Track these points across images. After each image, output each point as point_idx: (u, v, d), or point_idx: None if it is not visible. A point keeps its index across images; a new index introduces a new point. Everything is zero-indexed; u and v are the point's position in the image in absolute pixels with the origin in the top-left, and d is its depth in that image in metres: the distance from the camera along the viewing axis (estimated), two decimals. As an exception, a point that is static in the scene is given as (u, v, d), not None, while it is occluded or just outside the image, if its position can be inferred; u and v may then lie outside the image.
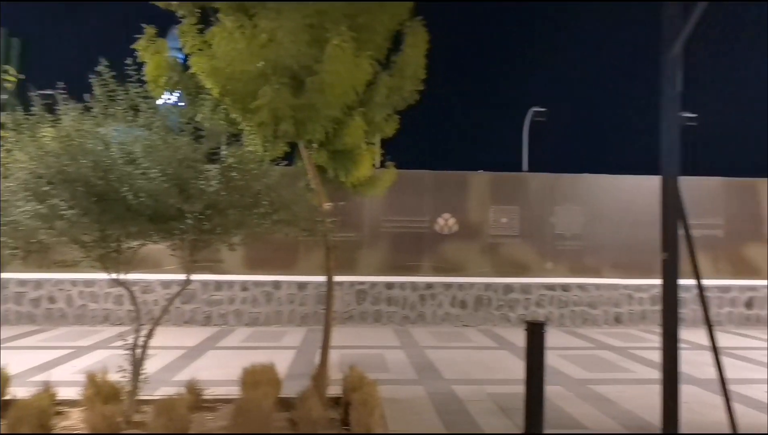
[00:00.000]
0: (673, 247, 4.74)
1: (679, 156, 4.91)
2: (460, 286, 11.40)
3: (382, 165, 8.04)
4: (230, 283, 11.04)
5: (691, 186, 12.97)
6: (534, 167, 13.55)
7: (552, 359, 8.15)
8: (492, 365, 7.82)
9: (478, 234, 12.28)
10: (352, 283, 11.20)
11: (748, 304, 11.94)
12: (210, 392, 5.33)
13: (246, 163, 4.87)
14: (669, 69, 4.84)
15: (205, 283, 10.89)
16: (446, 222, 12.16)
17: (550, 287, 11.55)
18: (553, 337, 10.06)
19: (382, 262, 11.92)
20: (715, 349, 4.86)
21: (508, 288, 11.46)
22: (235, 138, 5.40)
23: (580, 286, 11.61)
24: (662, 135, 4.89)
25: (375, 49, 5.63)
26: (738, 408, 5.76)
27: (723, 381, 4.82)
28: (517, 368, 7.16)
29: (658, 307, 10.75)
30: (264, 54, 5.11)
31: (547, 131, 14.00)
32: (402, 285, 11.31)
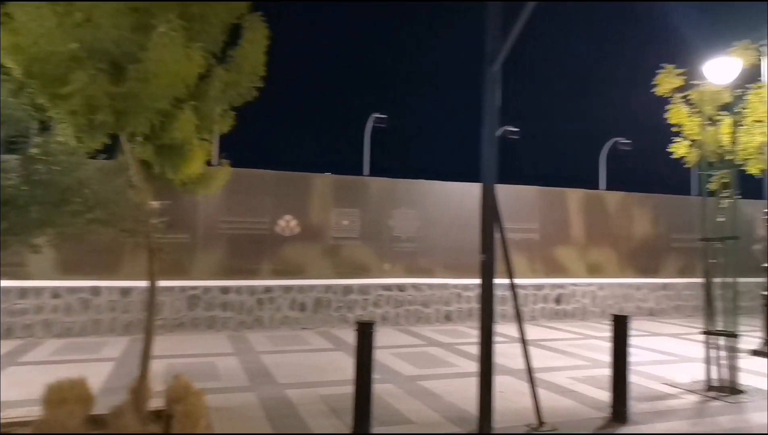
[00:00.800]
0: (490, 248, 5.19)
1: (497, 165, 5.41)
2: (300, 288, 11.39)
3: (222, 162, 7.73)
4: (38, 290, 9.83)
5: (512, 194, 14.37)
6: (375, 172, 14.02)
7: (386, 357, 8.49)
8: (327, 367, 7.92)
9: (319, 236, 12.38)
10: (183, 288, 10.62)
11: (557, 300, 13.52)
12: (5, 415, 4.70)
13: (54, 154, 4.39)
14: (489, 84, 5.31)
15: (6, 291, 9.58)
16: (287, 223, 12.09)
17: (387, 288, 12.02)
18: (388, 336, 10.49)
19: (218, 266, 11.49)
20: (523, 342, 5.43)
21: (348, 289, 11.70)
22: (45, 126, 4.83)
23: (415, 286, 12.24)
24: (482, 145, 5.35)
25: (209, 41, 5.40)
26: (545, 394, 6.50)
27: (530, 370, 5.40)
28: (352, 369, 7.32)
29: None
30: (78, 35, 4.64)
31: (387, 137, 14.60)
32: (239, 289, 10.98)
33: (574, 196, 15.07)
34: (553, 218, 14.72)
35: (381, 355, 8.58)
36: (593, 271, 14.87)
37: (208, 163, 6.76)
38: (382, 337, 10.37)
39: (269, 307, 11.13)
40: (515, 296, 5.50)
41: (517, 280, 13.88)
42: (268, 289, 11.17)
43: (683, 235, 15.51)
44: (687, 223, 15.30)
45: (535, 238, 14.34)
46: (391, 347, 9.42)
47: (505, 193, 14.12)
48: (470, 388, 6.45)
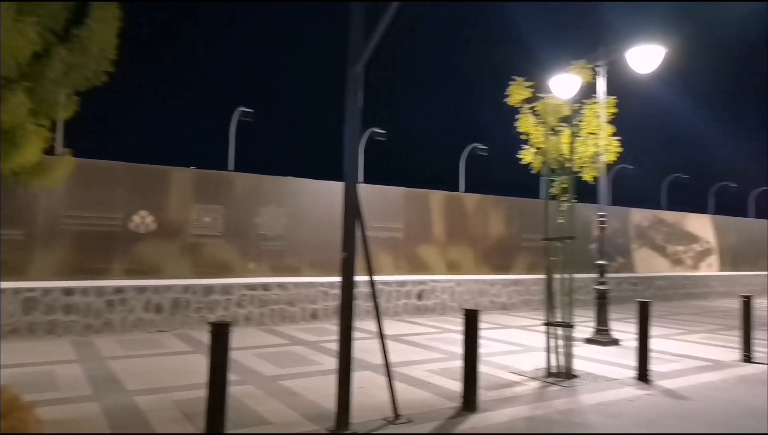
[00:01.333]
0: (351, 246, 5.26)
1: (358, 165, 5.49)
2: (156, 289, 10.72)
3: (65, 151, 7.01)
4: None
5: (379, 194, 14.71)
6: (241, 167, 13.59)
7: (247, 358, 8.27)
8: (183, 370, 7.53)
9: (178, 233, 11.73)
10: (17, 290, 9.52)
11: (419, 296, 14.07)
12: None
13: None
14: (351, 85, 5.37)
15: None
16: (143, 220, 11.31)
17: (252, 287, 11.72)
18: (251, 337, 10.23)
19: (60, 265, 10.44)
20: (381, 337, 5.57)
21: (209, 289, 11.22)
22: None
23: (281, 285, 12.06)
24: (345, 145, 5.40)
25: (47, 16, 4.89)
26: (403, 387, 6.71)
27: (387, 365, 5.55)
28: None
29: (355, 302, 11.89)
30: None
31: (255, 132, 14.22)
32: (84, 290, 10.07)
33: (436, 197, 15.78)
34: (416, 218, 15.29)
35: (242, 356, 8.35)
36: (452, 268, 15.67)
37: (49, 153, 6.12)
38: (245, 337, 10.11)
39: (120, 309, 10.34)
40: (374, 293, 5.63)
41: (381, 278, 14.19)
42: (119, 290, 10.37)
43: (532, 235, 16.87)
44: (535, 224, 16.69)
45: (400, 237, 14.80)
46: (253, 348, 9.19)
47: (372, 193, 14.47)
48: (332, 385, 6.44)
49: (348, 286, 5.20)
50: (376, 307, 5.58)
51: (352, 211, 5.31)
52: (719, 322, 13.87)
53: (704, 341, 11.09)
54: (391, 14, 5.07)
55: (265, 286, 11.88)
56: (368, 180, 15.19)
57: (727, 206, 25.67)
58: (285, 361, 8.34)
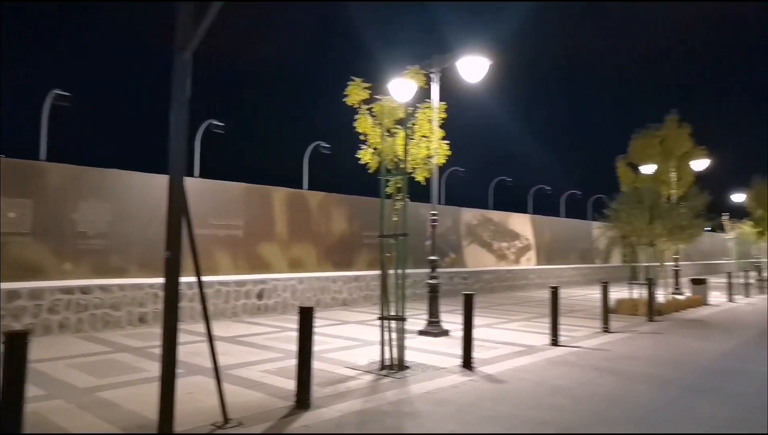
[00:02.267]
0: (176, 245, 4.93)
1: (185, 157, 5.17)
2: (-56, 295, 9.17)
3: None
4: None
5: (217, 189, 14.10)
6: (58, 157, 12.15)
7: (58, 370, 7.43)
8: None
9: (-26, 231, 10.17)
10: None
11: (260, 295, 13.75)
12: None
13: None
14: (179, 72, 5.04)
15: None
16: (-73, 215, 9.61)
17: (68, 291, 10.54)
18: (66, 346, 9.21)
19: None
20: (210, 339, 5.31)
21: (14, 294, 9.87)
22: None
23: (103, 288, 11.01)
24: (171, 136, 5.05)
25: None
26: (237, 389, 6.48)
27: (216, 368, 5.31)
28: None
29: (185, 304, 11.21)
30: None
31: (72, 119, 12.80)
32: None
33: (279, 194, 15.55)
34: (258, 216, 14.92)
35: (52, 368, 7.48)
36: (295, 266, 15.57)
37: None
38: (58, 346, 9.07)
39: None
40: (202, 294, 5.35)
41: (219, 278, 13.61)
42: None
43: (373, 232, 17.38)
44: (376, 222, 17.21)
45: (240, 235, 14.34)
46: (67, 358, 8.28)
47: (210, 188, 13.82)
48: (157, 393, 6.05)
49: (172, 287, 4.87)
50: (204, 308, 5.31)
51: (177, 206, 4.99)
52: (535, 311, 15.44)
53: (521, 329, 12.27)
54: None
55: (84, 289, 10.75)
56: (207, 175, 14.50)
57: (543, 206, 28.79)
58: (105, 370, 7.62)
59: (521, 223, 25.81)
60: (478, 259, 22.76)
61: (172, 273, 4.88)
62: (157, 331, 10.91)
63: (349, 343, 10.10)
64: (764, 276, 26.22)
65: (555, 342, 10.05)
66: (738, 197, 30.51)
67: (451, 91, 11.47)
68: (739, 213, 31.80)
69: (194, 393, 6.34)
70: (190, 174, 14.50)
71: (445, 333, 10.96)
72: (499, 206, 26.03)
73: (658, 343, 10.77)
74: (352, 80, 8.56)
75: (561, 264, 27.24)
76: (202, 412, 5.62)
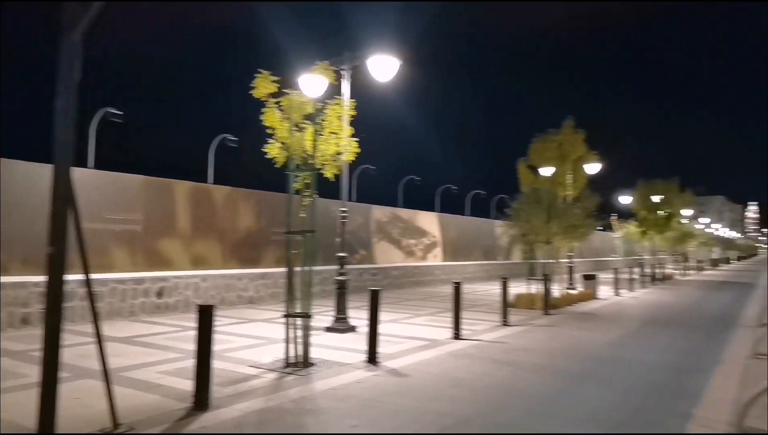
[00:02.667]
0: (60, 240, 4.59)
1: (75, 146, 4.83)
2: None
3: None
4: None
5: (113, 182, 13.30)
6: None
7: None
8: None
9: None
10: None
11: (159, 294, 13.13)
12: None
13: None
14: (66, 55, 4.69)
15: None
16: None
17: (-63, 290, 9.52)
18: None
19: None
20: (99, 339, 5.00)
21: None
22: None
23: (-20, 287, 10.05)
24: (56, 123, 4.69)
25: None
26: (130, 392, 6.16)
27: (105, 370, 5.01)
28: None
29: (77, 303, 10.46)
30: None
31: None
32: None
33: (182, 188, 14.92)
34: (158, 210, 14.24)
35: None
36: (198, 263, 15.01)
37: None
38: None
39: None
40: (91, 293, 5.02)
41: (115, 275, 12.89)
42: None
43: (281, 228, 17.11)
44: (284, 218, 16.95)
45: (138, 230, 13.61)
46: (-66, 364, 7.47)
47: (105, 180, 13.00)
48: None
49: (55, 284, 4.53)
50: (93, 306, 4.99)
51: (62, 198, 4.64)
52: (440, 306, 15.87)
53: (427, 323, 12.58)
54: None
55: (-42, 288, 9.76)
56: (103, 166, 13.64)
57: (449, 205, 29.68)
58: (-21, 376, 6.95)
59: (429, 221, 26.45)
60: (387, 256, 23.06)
61: (55, 269, 4.54)
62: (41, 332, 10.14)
63: (254, 341, 9.88)
64: (646, 272, 28.56)
65: (457, 336, 10.38)
66: (625, 199, 33.01)
67: (365, 90, 11.52)
68: (625, 214, 34.49)
69: (82, 398, 5.95)
70: (82, 164, 13.56)
71: (352, 329, 11.01)
72: (408, 204, 26.54)
73: (552, 335, 11.43)
74: (260, 72, 8.37)
75: (466, 260, 28.21)
76: (90, 418, 5.29)
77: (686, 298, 21.09)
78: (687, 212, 40.51)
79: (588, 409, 6.17)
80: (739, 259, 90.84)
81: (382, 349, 8.60)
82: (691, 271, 42.10)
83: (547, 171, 19.07)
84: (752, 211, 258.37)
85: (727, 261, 75.35)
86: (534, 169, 19.65)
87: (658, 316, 15.35)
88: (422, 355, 8.88)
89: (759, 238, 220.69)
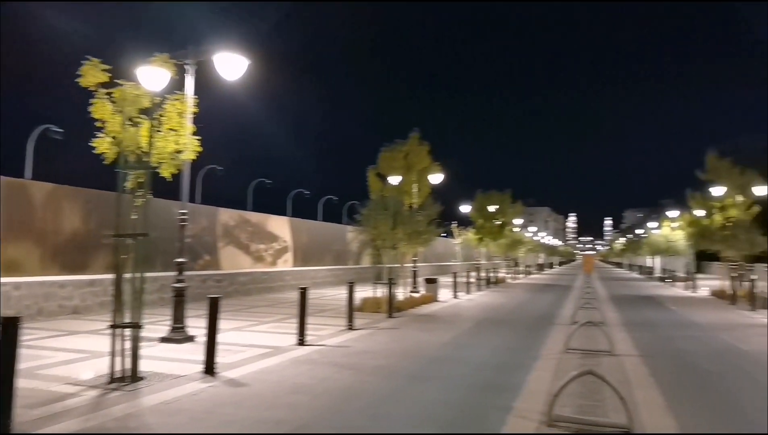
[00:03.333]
0: None
1: None
2: None
3: None
4: None
5: None
6: None
7: None
8: None
9: None
10: None
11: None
12: None
13: None
14: None
15: None
16: None
17: None
18: None
19: None
20: None
21: None
22: None
23: None
24: None
25: None
26: None
27: None
28: None
29: None
30: None
31: None
32: None
33: (-8, 183, 13.09)
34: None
35: None
36: (10, 269, 13.24)
37: None
38: None
39: None
40: None
41: None
42: None
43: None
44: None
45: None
46: None
47: None
48: None
49: None
50: None
51: None
52: (287, 312, 15.66)
53: (272, 330, 12.34)
54: None
55: None
56: None
57: (301, 210, 29.55)
58: None
59: (280, 226, 26.07)
60: (234, 261, 22.29)
61: None
62: None
63: (75, 355, 8.94)
64: (482, 276, 30.86)
65: (302, 342, 10.31)
66: (465, 208, 35.54)
67: (216, 89, 11.03)
68: (465, 222, 37.04)
69: None
70: None
71: (191, 339, 10.43)
72: (258, 208, 25.92)
73: (394, 337, 11.83)
74: (88, 59, 7.63)
75: (317, 265, 28.25)
76: None
77: (515, 300, 23.12)
78: (518, 221, 44.66)
79: (422, 407, 6.45)
80: (560, 263, 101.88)
81: (221, 358, 8.25)
82: (521, 275, 46.31)
83: (394, 179, 19.77)
84: (572, 220, 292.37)
85: (551, 266, 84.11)
86: (382, 177, 20.27)
87: (489, 316, 16.62)
88: (264, 363, 8.68)
89: (577, 245, 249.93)
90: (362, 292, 17.94)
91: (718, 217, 25.22)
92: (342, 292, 22.12)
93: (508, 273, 43.31)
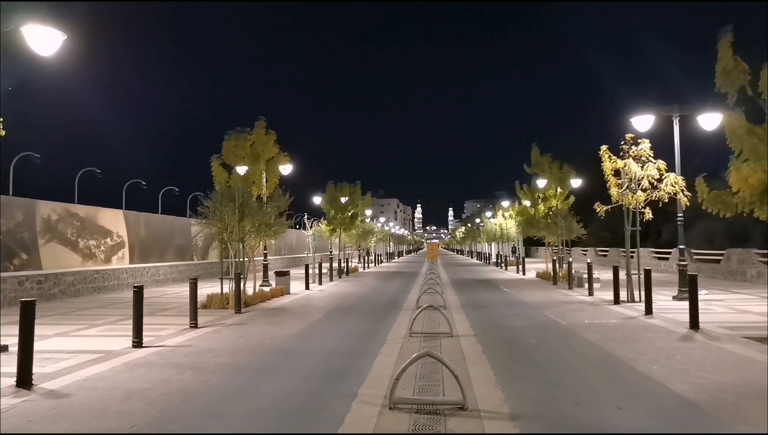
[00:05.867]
0: None
1: None
2: None
3: None
4: None
5: None
6: None
7: None
8: None
9: None
10: None
11: None
12: None
13: None
14: None
15: None
16: None
17: None
18: None
19: None
20: None
21: None
22: None
23: None
24: None
25: None
26: None
27: None
28: None
29: None
30: None
31: None
32: None
33: None
34: None
35: None
36: None
37: None
38: None
39: None
40: None
41: None
42: None
43: None
44: None
45: None
46: None
47: None
48: None
49: None
50: None
51: None
52: (123, 313, 14.45)
53: (104, 333, 11.31)
54: None
55: None
56: None
57: (139, 202, 27.45)
58: None
59: (113, 219, 23.97)
60: (59, 260, 20.05)
61: None
62: None
63: None
64: (335, 266, 31.19)
65: (138, 344, 9.58)
66: (317, 199, 35.65)
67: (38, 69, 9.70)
68: (318, 213, 37.12)
69: None
70: None
71: (4, 349, 9.18)
72: (87, 200, 23.59)
73: (241, 332, 11.47)
74: None
75: (158, 262, 26.45)
76: None
77: (365, 288, 23.69)
78: (368, 212, 45.83)
79: (266, 400, 6.32)
80: (408, 252, 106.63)
81: (41, 368, 7.40)
82: (372, 265, 47.62)
83: (240, 169, 19.13)
84: (419, 211, 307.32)
85: (400, 254, 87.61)
86: (228, 167, 19.53)
87: (340, 305, 16.84)
88: (92, 369, 7.91)
89: (424, 235, 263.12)
90: (209, 288, 17.19)
91: (541, 207, 28.16)
92: (186, 290, 20.98)
93: (360, 262, 44.26)
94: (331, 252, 35.77)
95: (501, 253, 45.92)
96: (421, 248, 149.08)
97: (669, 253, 31.68)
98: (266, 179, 20.55)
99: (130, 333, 9.84)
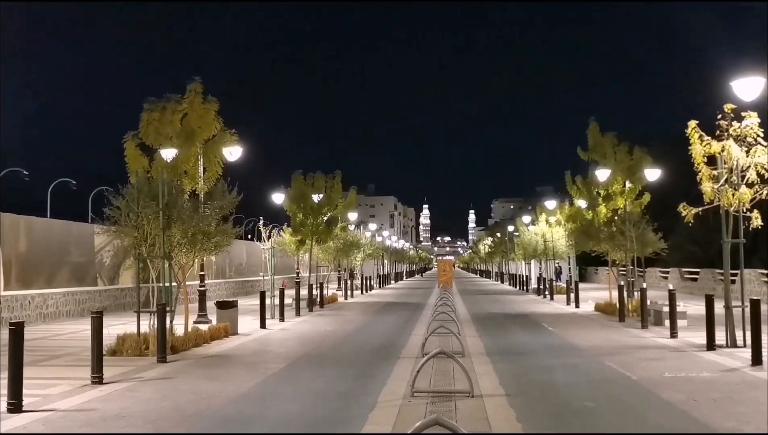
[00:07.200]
0: None
1: None
2: None
3: None
4: None
5: None
6: None
7: None
8: None
9: None
10: None
11: None
12: None
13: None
14: None
15: None
16: None
17: None
18: None
19: None
20: None
21: None
22: None
23: None
24: None
25: None
26: None
27: None
28: None
29: None
30: None
31: None
32: None
33: None
34: None
35: None
36: None
37: None
38: None
39: None
40: None
41: None
42: None
43: None
44: None
45: None
46: None
47: None
48: None
49: None
50: None
51: None
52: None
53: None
54: None
55: None
56: None
57: (16, 202, 27.39)
58: None
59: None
60: None
61: None
62: None
63: None
64: (303, 294, 31.17)
65: (16, 407, 9.55)
66: (278, 198, 34.80)
67: None
68: (279, 218, 36.93)
69: None
70: None
71: None
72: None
73: (165, 391, 11.43)
74: None
75: (46, 287, 26.33)
76: None
77: (348, 326, 23.76)
78: (353, 216, 45.73)
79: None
80: (410, 273, 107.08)
81: None
82: (357, 292, 47.71)
83: (166, 153, 18.80)
84: (426, 215, 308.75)
85: (398, 277, 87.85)
86: (149, 150, 19.26)
87: (310, 351, 16.84)
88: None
89: (433, 248, 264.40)
90: (121, 326, 17.12)
91: (602, 209, 28.09)
92: (86, 328, 20.88)
93: (340, 289, 44.31)
94: (298, 274, 35.67)
95: (544, 275, 46.07)
96: (430, 268, 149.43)
97: (786, 276, 31.88)
98: (204, 168, 20.44)
99: (4, 391, 9.81)
